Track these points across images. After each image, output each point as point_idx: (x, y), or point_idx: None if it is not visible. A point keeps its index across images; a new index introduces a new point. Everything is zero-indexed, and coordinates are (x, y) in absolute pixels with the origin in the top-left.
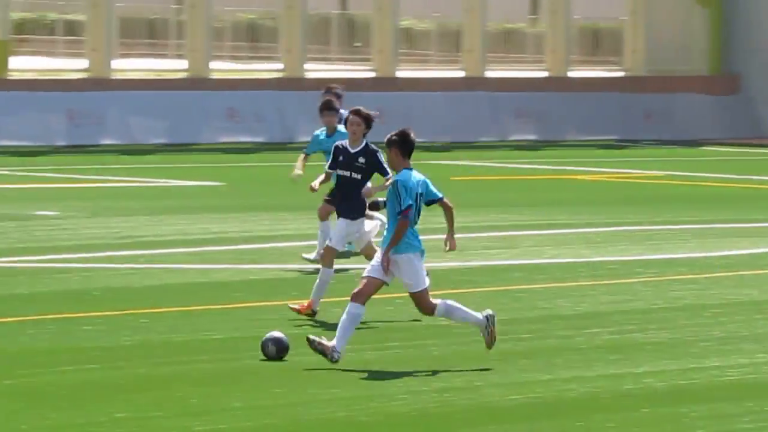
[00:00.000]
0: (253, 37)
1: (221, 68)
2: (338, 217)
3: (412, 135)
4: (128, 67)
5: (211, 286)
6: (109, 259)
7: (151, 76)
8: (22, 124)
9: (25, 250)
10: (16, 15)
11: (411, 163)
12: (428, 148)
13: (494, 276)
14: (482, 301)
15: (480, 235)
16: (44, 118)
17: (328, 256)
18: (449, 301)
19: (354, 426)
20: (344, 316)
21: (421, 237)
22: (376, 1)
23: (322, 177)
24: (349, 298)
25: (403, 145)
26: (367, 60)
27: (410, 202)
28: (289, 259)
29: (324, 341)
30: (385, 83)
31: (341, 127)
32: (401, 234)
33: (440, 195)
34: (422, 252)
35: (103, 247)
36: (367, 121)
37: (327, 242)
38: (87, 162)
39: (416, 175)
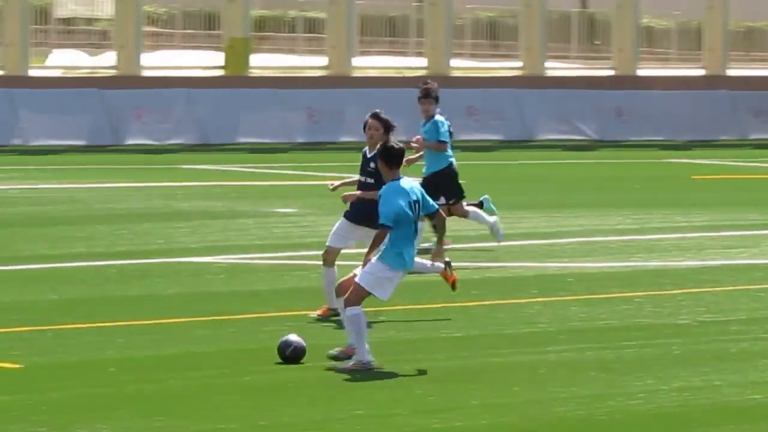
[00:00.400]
0: (493, 35)
1: (461, 66)
2: (343, 216)
3: (394, 145)
4: (368, 64)
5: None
6: (347, 257)
7: (391, 73)
8: (262, 121)
9: (264, 247)
10: (256, 13)
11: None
12: (668, 147)
13: (734, 275)
14: (722, 300)
15: (720, 234)
16: (284, 115)
17: (329, 256)
18: (363, 317)
19: (592, 425)
20: (350, 325)
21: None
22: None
23: (348, 179)
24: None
25: (387, 157)
26: (607, 58)
27: (389, 223)
28: (528, 257)
29: (347, 366)
30: (625, 81)
31: (439, 117)
32: (379, 241)
33: (436, 206)
34: (403, 271)
35: None
36: (387, 126)
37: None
38: (326, 159)
39: (407, 183)
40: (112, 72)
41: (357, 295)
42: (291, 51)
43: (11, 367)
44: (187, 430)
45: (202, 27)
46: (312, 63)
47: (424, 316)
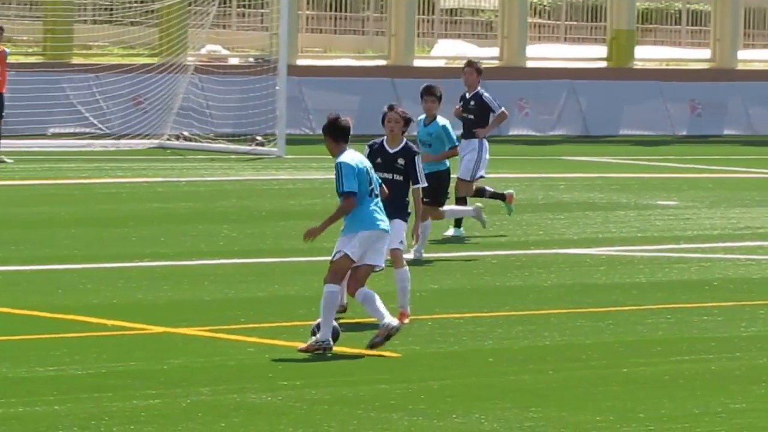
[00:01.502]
0: None
1: None
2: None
3: (341, 120)
4: (752, 57)
5: None
6: (728, 250)
7: None
8: (645, 113)
9: (645, 239)
10: (641, 5)
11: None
12: None
13: None
14: None
15: None
16: (667, 107)
17: (399, 258)
18: (370, 293)
19: None
20: (321, 301)
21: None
22: None
23: None
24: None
25: (334, 132)
26: None
27: (353, 188)
28: None
29: (309, 343)
30: None
31: (443, 120)
32: (341, 215)
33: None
34: (372, 230)
35: (722, 238)
36: (406, 119)
37: (393, 246)
38: (708, 152)
39: (355, 153)
40: (496, 63)
41: (337, 271)
42: (675, 43)
43: (391, 356)
44: (564, 421)
45: (587, 19)
46: (696, 56)
47: None
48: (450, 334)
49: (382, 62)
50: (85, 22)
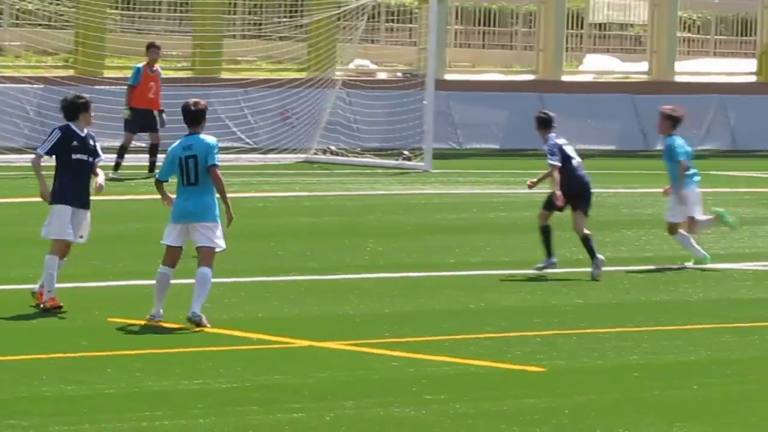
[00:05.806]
0: None
1: None
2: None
3: (190, 106)
4: None
5: None
6: None
7: None
8: None
9: None
10: None
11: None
12: None
13: None
14: None
15: None
16: None
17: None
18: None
19: None
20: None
21: None
22: None
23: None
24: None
25: (185, 117)
26: None
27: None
28: None
29: None
30: None
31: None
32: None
33: (213, 162)
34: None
35: None
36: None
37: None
38: None
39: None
40: (645, 77)
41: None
42: None
43: (535, 371)
44: None
45: (736, 33)
46: None
47: None
48: (594, 349)
49: (530, 77)
50: (234, 37)
